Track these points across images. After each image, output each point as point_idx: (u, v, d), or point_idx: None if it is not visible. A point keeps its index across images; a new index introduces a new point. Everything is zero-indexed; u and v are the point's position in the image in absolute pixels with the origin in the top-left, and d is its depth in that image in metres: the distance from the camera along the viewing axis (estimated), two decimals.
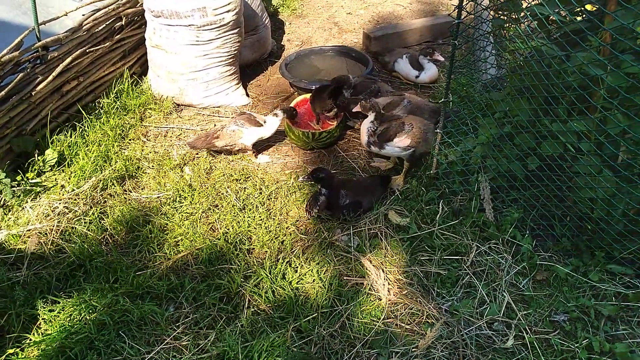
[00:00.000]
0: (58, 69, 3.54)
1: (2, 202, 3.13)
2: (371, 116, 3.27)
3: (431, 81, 4.49)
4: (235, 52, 4.24)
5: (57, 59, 3.57)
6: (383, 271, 2.76)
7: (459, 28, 2.71)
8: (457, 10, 2.66)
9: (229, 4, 3.92)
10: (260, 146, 3.84)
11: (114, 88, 4.13)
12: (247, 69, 4.87)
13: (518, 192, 2.88)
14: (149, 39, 4.18)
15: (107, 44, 4.02)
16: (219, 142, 3.54)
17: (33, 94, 3.37)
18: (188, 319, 2.56)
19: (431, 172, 3.24)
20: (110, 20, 4.02)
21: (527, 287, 2.62)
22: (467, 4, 2.70)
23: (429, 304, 2.57)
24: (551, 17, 2.40)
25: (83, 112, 3.78)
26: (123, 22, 4.14)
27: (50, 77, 3.48)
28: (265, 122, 3.57)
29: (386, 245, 2.88)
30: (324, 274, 2.74)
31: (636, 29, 2.32)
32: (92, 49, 3.85)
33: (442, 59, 4.43)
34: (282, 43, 5.45)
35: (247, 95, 4.52)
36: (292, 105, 3.87)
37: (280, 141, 3.92)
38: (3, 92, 3.15)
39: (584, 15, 2.52)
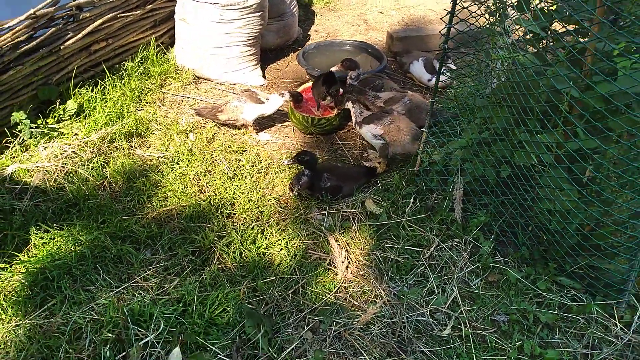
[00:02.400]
0: (88, 29, 3.86)
1: (21, 140, 3.46)
2: (355, 105, 3.54)
3: (442, 86, 4.60)
4: (257, 34, 4.47)
5: (88, 19, 3.88)
6: (347, 251, 2.93)
7: (449, 33, 2.85)
8: (449, 15, 2.81)
9: None
10: (263, 125, 4.06)
11: (140, 54, 4.43)
12: (269, 53, 5.10)
13: (489, 197, 3.00)
14: (177, 12, 4.46)
15: (139, 12, 4.31)
16: (222, 116, 3.78)
17: (62, 48, 3.68)
18: (160, 265, 2.81)
19: (414, 168, 3.39)
20: None
21: (477, 285, 2.75)
22: (460, 10, 2.84)
23: (380, 286, 2.73)
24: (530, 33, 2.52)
25: (107, 71, 4.09)
26: None
27: (80, 35, 3.80)
28: (267, 99, 3.78)
29: (356, 229, 3.06)
30: (292, 245, 2.94)
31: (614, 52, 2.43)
32: (123, 15, 4.16)
33: (453, 67, 4.54)
34: (308, 32, 5.65)
35: (264, 77, 4.75)
36: (299, 90, 4.08)
37: (284, 122, 4.13)
38: (34, 43, 3.48)
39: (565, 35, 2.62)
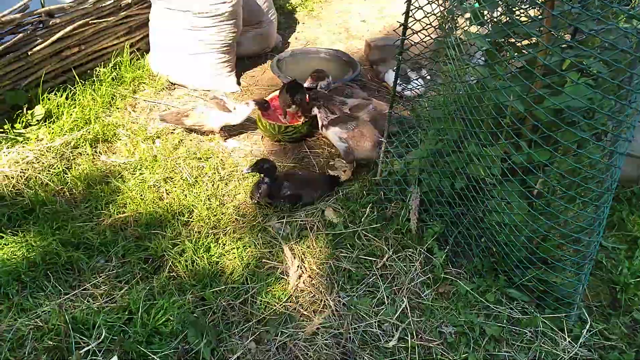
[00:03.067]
0: (58, 35, 3.88)
1: None
2: (320, 110, 3.57)
3: (415, 95, 4.61)
4: (230, 41, 4.49)
5: (58, 25, 3.90)
6: (302, 260, 2.93)
7: (403, 44, 2.86)
8: (402, 27, 2.82)
9: None
10: (232, 131, 4.07)
11: (113, 60, 4.45)
12: (246, 60, 5.12)
13: (444, 208, 2.99)
14: (151, 19, 4.48)
15: (112, 18, 4.34)
16: (187, 121, 3.79)
17: (29, 54, 3.70)
18: (112, 272, 2.80)
19: (375, 177, 3.39)
20: None
21: (427, 297, 2.74)
22: (413, 23, 2.85)
23: (330, 296, 2.73)
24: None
25: (77, 77, 4.11)
26: (130, 0, 4.45)
27: (49, 42, 3.82)
28: (234, 108, 3.79)
29: (313, 238, 3.05)
30: (246, 254, 2.94)
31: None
32: (95, 21, 4.18)
33: (428, 77, 4.54)
34: (288, 40, 5.67)
35: (239, 83, 4.76)
36: (268, 98, 4.09)
37: (253, 129, 4.13)
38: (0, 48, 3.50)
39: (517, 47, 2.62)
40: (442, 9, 2.73)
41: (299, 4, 6.44)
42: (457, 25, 2.60)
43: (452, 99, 2.78)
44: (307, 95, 3.85)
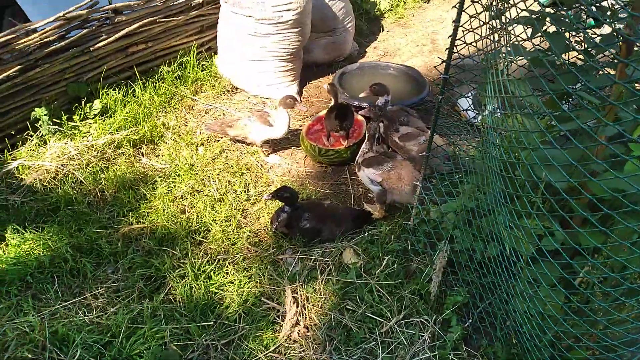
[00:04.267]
0: (123, 32, 3.95)
1: (40, 135, 3.64)
2: (369, 136, 3.24)
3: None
4: (294, 49, 4.31)
5: (124, 22, 3.97)
6: (303, 306, 2.70)
7: (445, 83, 2.48)
8: (444, 64, 2.44)
9: (289, 3, 3.98)
10: (278, 145, 3.91)
11: (179, 59, 4.47)
12: (315, 68, 4.92)
13: (473, 275, 2.59)
14: (219, 20, 4.43)
15: (181, 17, 4.35)
16: (231, 132, 3.69)
17: (92, 49, 3.81)
18: (114, 284, 2.79)
19: (408, 222, 3.04)
20: None
21: None
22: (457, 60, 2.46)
23: (321, 356, 2.47)
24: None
25: (138, 74, 4.17)
26: (202, 0, 4.43)
27: (112, 38, 3.90)
28: (274, 121, 3.61)
29: (321, 282, 2.81)
30: (247, 288, 2.77)
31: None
32: (163, 20, 4.21)
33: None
34: (366, 49, 5.37)
35: (300, 93, 4.58)
36: (316, 117, 3.88)
37: (300, 146, 3.94)
38: (63, 43, 3.63)
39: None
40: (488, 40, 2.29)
41: (387, 10, 6.08)
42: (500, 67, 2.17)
43: (492, 153, 2.35)
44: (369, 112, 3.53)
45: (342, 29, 4.87)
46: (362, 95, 3.76)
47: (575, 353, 2.10)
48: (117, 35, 3.92)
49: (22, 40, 3.41)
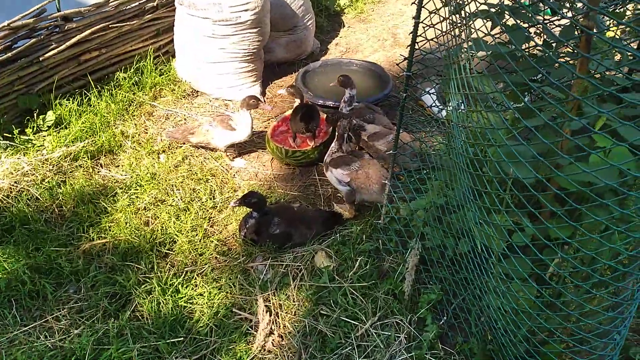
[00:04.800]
0: (74, 40, 3.78)
1: None
2: (338, 139, 3.20)
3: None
4: (255, 50, 4.21)
5: (75, 29, 3.81)
6: (276, 315, 2.64)
7: (408, 81, 2.45)
8: (407, 61, 2.41)
9: (247, 3, 3.89)
10: (243, 149, 3.82)
11: (136, 64, 4.32)
12: (277, 67, 4.84)
13: (446, 272, 2.57)
14: (175, 23, 4.30)
15: (136, 21, 4.20)
16: (193, 139, 3.58)
17: (41, 59, 3.63)
18: (77, 304, 2.66)
19: (379, 221, 3.01)
20: (141, 0, 4.19)
21: None
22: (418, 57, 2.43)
23: None
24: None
25: (93, 82, 4.01)
26: (156, 3, 4.29)
27: (63, 46, 3.73)
28: (237, 125, 3.52)
29: (293, 288, 2.74)
30: (218, 299, 2.69)
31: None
32: (116, 25, 4.06)
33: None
34: (328, 46, 5.31)
35: (264, 94, 4.49)
36: (281, 118, 3.81)
37: (266, 149, 3.86)
38: (9, 54, 3.45)
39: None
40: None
41: (347, 5, 6.04)
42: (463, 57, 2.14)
43: (457, 150, 2.33)
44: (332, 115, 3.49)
45: (303, 27, 4.80)
46: (332, 84, 3.74)
47: (550, 347, 2.11)
48: (67, 44, 3.76)
49: None
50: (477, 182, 2.03)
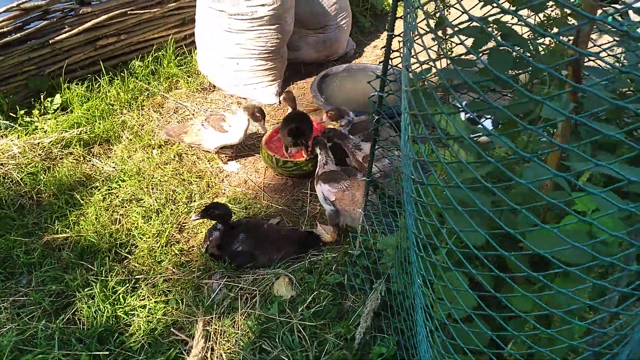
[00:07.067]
0: (88, 24, 3.74)
1: None
2: (322, 151, 2.96)
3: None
4: (273, 47, 3.98)
5: (90, 14, 3.76)
6: (214, 342, 2.40)
7: (381, 102, 2.10)
8: (379, 80, 2.06)
9: None
10: (239, 152, 3.61)
11: (155, 53, 4.23)
12: (303, 68, 4.58)
13: (403, 322, 2.20)
14: (197, 14, 4.16)
15: (157, 9, 4.10)
16: (186, 138, 3.41)
17: (52, 42, 3.62)
18: (22, 298, 2.58)
19: (352, 251, 2.67)
20: None
21: None
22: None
23: None
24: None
25: (104, 69, 3.97)
26: None
27: (76, 31, 3.70)
28: (230, 126, 3.30)
29: (240, 316, 2.49)
30: (159, 315, 2.50)
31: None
32: (135, 12, 3.98)
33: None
34: (364, 49, 4.97)
35: (281, 94, 4.25)
36: (272, 129, 3.55)
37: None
38: (19, 34, 3.45)
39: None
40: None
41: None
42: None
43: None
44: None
45: (335, 26, 4.50)
46: (322, 120, 3.44)
47: None
48: (81, 28, 3.72)
49: None
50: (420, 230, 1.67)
